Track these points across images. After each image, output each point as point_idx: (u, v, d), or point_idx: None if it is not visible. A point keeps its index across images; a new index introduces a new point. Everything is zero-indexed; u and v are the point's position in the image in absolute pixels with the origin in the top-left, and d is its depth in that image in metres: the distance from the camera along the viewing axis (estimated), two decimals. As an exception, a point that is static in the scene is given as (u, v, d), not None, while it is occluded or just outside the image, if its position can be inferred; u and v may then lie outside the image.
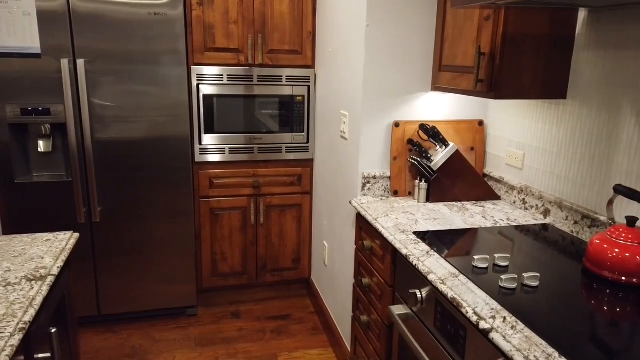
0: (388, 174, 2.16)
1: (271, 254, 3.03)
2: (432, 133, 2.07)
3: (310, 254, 3.11)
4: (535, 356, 1.01)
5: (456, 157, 2.07)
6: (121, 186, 2.62)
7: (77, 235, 1.64)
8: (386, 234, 1.73)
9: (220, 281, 2.99)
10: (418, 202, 2.08)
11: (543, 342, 1.06)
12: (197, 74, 2.67)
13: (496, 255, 1.45)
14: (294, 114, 2.85)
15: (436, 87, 2.08)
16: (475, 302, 1.24)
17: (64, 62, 2.38)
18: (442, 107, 2.19)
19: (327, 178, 2.69)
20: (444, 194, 2.07)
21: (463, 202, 2.08)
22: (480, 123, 2.22)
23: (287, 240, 3.03)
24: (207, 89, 2.70)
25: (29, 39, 2.34)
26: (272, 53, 2.74)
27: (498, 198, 2.14)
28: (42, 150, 2.56)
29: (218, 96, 2.73)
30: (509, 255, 1.45)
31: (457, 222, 1.83)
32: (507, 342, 1.07)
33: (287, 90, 2.81)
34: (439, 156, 2.06)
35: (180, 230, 2.76)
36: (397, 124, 2.12)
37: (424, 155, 2.08)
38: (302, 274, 3.12)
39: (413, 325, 1.57)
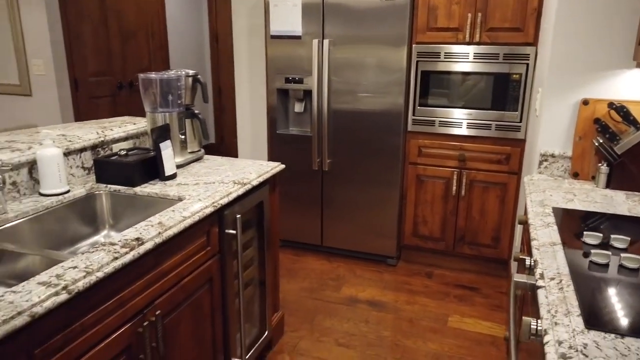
0: (569, 153, 2.06)
1: (470, 228, 3.15)
2: (622, 113, 1.88)
3: (513, 236, 3.08)
4: (556, 310, 1.05)
5: (650, 142, 1.83)
6: (347, 145, 3.20)
7: (282, 166, 2.26)
8: (528, 206, 1.75)
9: (419, 242, 3.29)
10: (596, 186, 1.93)
11: (575, 303, 1.06)
12: (418, 52, 2.98)
13: (612, 236, 1.36)
14: (508, 92, 2.86)
15: (638, 63, 1.86)
16: (549, 266, 1.26)
17: (315, 42, 3.06)
18: (652, 87, 1.93)
19: (527, 158, 2.65)
20: (629, 181, 1.86)
21: (654, 194, 1.83)
22: None
23: (488, 218, 3.09)
24: (424, 66, 2.99)
25: (294, 24, 3.11)
26: (491, 31, 2.81)
27: None
28: (297, 111, 3.35)
29: (434, 72, 2.98)
30: (629, 239, 1.34)
31: (618, 209, 1.68)
32: (545, 297, 1.11)
33: (503, 68, 2.84)
34: (627, 139, 1.85)
35: (390, 189, 3.17)
36: (585, 102, 1.99)
37: (608, 136, 1.91)
38: (501, 254, 3.13)
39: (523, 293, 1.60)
